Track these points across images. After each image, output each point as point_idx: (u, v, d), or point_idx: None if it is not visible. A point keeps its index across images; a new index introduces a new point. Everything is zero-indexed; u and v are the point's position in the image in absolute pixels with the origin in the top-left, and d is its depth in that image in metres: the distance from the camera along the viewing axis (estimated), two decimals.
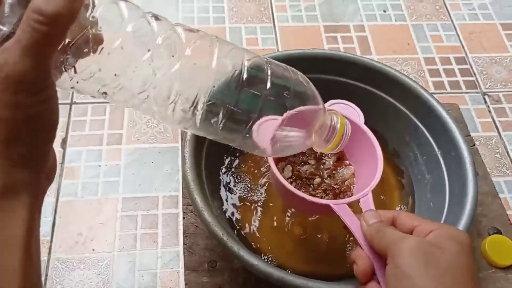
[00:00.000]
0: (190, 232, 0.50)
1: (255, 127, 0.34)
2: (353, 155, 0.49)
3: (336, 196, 0.46)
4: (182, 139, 0.48)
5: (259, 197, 0.54)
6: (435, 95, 0.54)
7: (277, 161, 0.46)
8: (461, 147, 0.50)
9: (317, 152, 0.48)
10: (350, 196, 0.46)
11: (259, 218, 0.52)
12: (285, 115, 0.35)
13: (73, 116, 0.68)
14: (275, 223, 0.52)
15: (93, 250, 0.57)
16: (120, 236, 0.58)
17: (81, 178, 0.62)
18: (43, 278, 0.54)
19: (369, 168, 0.45)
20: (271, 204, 0.53)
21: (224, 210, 0.51)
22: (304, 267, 0.49)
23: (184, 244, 0.49)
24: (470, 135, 0.65)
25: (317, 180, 0.47)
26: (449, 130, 0.51)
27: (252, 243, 0.50)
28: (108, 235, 0.58)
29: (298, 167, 0.48)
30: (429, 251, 0.32)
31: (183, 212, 0.52)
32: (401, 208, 0.55)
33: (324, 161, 0.49)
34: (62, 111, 0.68)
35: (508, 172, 0.66)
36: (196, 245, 0.49)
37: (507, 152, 0.68)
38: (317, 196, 0.46)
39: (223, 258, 0.49)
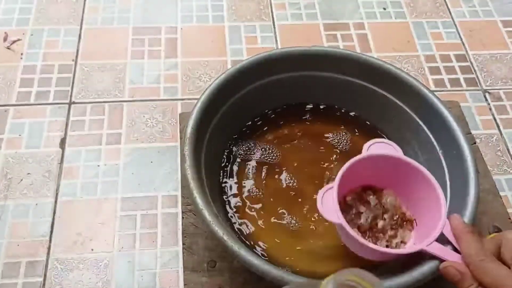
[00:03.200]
0: (189, 232, 0.50)
1: None
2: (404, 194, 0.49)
3: (402, 226, 0.47)
4: (181, 138, 0.48)
5: (259, 196, 0.53)
6: (435, 93, 0.54)
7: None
8: (462, 146, 0.49)
9: (356, 197, 0.49)
10: (409, 221, 0.47)
11: (259, 217, 0.52)
12: None
13: (72, 116, 0.68)
14: (275, 222, 0.52)
15: (92, 250, 0.57)
16: (119, 236, 0.58)
17: (80, 178, 0.62)
18: (41, 279, 0.54)
19: (421, 198, 0.46)
20: (271, 202, 0.53)
21: (224, 209, 0.51)
22: (305, 266, 0.48)
23: (183, 244, 0.49)
24: (470, 133, 0.64)
25: (381, 223, 0.47)
26: (450, 129, 0.51)
27: (253, 242, 0.50)
28: (107, 235, 0.58)
29: (360, 222, 0.47)
30: None
31: (182, 212, 0.52)
32: None
33: (368, 201, 0.49)
34: (61, 111, 0.68)
35: (509, 170, 0.66)
36: (196, 245, 0.49)
37: (508, 150, 0.68)
38: (392, 236, 0.47)
39: (223, 258, 0.48)
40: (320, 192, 0.44)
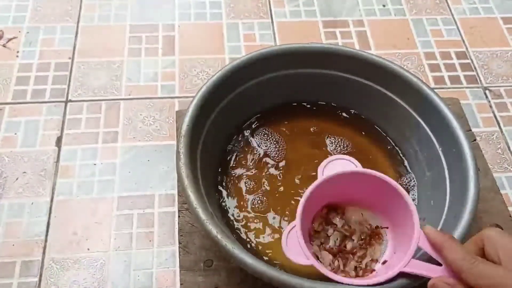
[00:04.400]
0: (186, 231, 0.49)
1: None
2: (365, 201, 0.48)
3: (370, 244, 0.46)
4: (177, 136, 0.47)
5: (257, 194, 0.53)
6: (435, 90, 0.53)
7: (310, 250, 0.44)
8: (462, 144, 0.49)
9: (323, 221, 0.47)
10: (377, 234, 0.46)
11: (256, 216, 0.51)
12: None
13: (68, 114, 0.67)
14: (273, 221, 0.51)
15: (88, 249, 0.56)
16: (116, 236, 0.57)
17: (76, 177, 0.61)
18: (37, 279, 0.54)
19: (393, 204, 0.44)
20: (269, 201, 0.52)
21: (220, 208, 0.50)
22: (302, 266, 0.48)
23: (179, 243, 0.48)
24: (471, 130, 0.64)
25: (349, 245, 0.46)
26: (450, 127, 0.50)
27: (249, 242, 0.49)
28: (103, 234, 0.57)
29: (328, 246, 0.46)
30: None
31: (179, 211, 0.51)
32: None
33: (334, 223, 0.47)
34: (57, 109, 0.67)
35: (509, 168, 0.65)
36: (192, 244, 0.48)
37: (509, 148, 0.67)
38: (361, 256, 0.45)
39: (220, 257, 0.48)
40: (284, 232, 0.41)
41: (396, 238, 0.46)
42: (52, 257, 0.55)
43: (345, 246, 0.46)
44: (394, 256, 0.44)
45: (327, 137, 0.58)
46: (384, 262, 0.45)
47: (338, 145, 0.57)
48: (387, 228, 0.47)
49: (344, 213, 0.48)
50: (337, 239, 0.46)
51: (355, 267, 0.45)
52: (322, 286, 0.38)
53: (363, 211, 0.48)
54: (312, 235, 0.46)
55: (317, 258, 0.45)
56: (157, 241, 0.57)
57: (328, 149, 0.57)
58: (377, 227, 0.47)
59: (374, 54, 0.55)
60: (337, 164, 0.45)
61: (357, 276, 0.44)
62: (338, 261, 0.45)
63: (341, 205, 0.48)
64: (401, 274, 0.40)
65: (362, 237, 0.46)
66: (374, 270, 0.44)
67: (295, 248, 0.40)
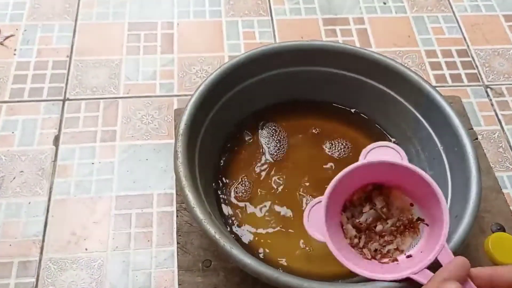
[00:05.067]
0: (184, 231, 0.49)
1: None
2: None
3: (402, 233, 0.45)
4: (175, 135, 0.46)
5: (256, 194, 0.52)
6: (436, 88, 0.53)
7: (336, 221, 0.44)
8: (464, 142, 0.48)
9: (364, 196, 0.47)
10: (414, 227, 0.45)
11: (255, 216, 0.50)
12: None
13: (66, 113, 0.66)
14: (272, 221, 0.51)
15: (86, 249, 0.56)
16: (114, 235, 0.57)
17: (74, 176, 0.61)
18: (34, 279, 0.53)
19: (433, 208, 0.43)
20: (268, 200, 0.52)
21: (219, 207, 0.50)
22: (301, 266, 0.47)
23: (177, 243, 0.48)
24: (472, 129, 0.63)
25: (379, 227, 0.45)
26: (452, 125, 0.49)
27: (248, 241, 0.49)
28: (101, 234, 0.57)
29: (358, 221, 0.45)
30: None
31: (177, 210, 0.51)
32: None
33: (374, 202, 0.46)
34: (55, 108, 0.67)
35: (511, 166, 0.65)
36: (190, 244, 0.48)
37: (510, 147, 0.67)
38: (387, 241, 0.45)
39: (218, 257, 0.47)
40: (309, 205, 0.42)
41: (430, 239, 0.45)
42: (50, 257, 0.55)
43: (375, 227, 0.45)
44: (420, 255, 0.44)
45: (327, 136, 0.57)
46: (409, 256, 0.44)
47: (338, 144, 0.57)
48: (427, 225, 0.45)
49: (389, 196, 0.47)
50: (369, 218, 0.45)
51: (376, 250, 0.44)
52: (320, 287, 0.38)
53: (412, 201, 0.46)
54: (347, 207, 0.45)
55: (342, 227, 0.44)
56: (155, 241, 0.56)
57: (328, 147, 0.56)
58: (418, 219, 0.46)
59: (375, 52, 0.54)
60: (382, 152, 0.44)
61: (373, 258, 0.44)
62: (360, 238, 0.44)
63: (390, 187, 0.47)
64: (408, 279, 0.39)
65: (397, 225, 0.45)
66: (396, 259, 0.44)
67: (316, 222, 0.41)
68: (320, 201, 0.42)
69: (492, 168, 0.60)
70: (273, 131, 0.57)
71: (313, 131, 0.57)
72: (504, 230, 0.54)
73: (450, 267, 0.36)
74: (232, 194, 0.51)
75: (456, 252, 0.42)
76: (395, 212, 0.46)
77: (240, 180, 0.53)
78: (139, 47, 0.74)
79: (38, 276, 0.53)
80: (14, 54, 0.72)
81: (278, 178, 0.54)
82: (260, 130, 0.57)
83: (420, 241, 0.45)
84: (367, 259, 0.42)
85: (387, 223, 0.45)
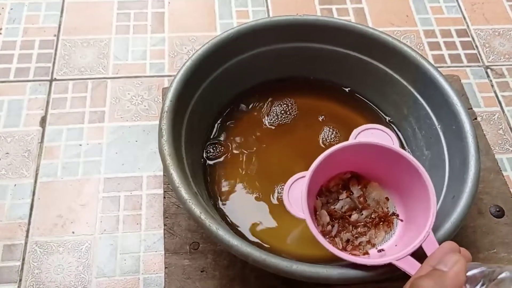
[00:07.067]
0: (171, 212, 0.47)
1: None
2: (391, 181, 0.45)
3: (377, 226, 0.43)
4: (161, 112, 0.44)
5: (245, 174, 0.50)
6: None
7: (310, 205, 0.42)
8: (463, 120, 0.46)
9: (341, 183, 0.45)
10: (388, 221, 0.43)
11: (244, 196, 0.49)
12: None
13: (53, 93, 0.64)
14: (262, 202, 0.49)
15: (73, 233, 0.54)
16: (102, 218, 0.55)
17: (61, 158, 0.59)
18: (19, 263, 0.52)
19: (415, 197, 0.41)
20: (258, 181, 0.50)
21: (206, 187, 0.48)
22: (292, 248, 0.46)
23: (164, 225, 0.46)
24: (471, 108, 0.61)
25: (354, 216, 0.44)
26: (450, 103, 0.47)
27: (237, 223, 0.47)
28: (89, 217, 0.55)
29: (333, 207, 0.44)
30: None
31: (164, 191, 0.49)
32: None
33: (351, 190, 0.45)
34: (42, 88, 0.65)
35: (511, 148, 0.63)
36: (178, 226, 0.46)
37: (510, 128, 0.65)
38: (361, 233, 0.43)
39: (206, 240, 0.46)
40: (290, 180, 0.40)
41: (404, 235, 0.43)
42: (36, 240, 0.53)
43: (349, 216, 0.44)
44: (394, 248, 0.42)
45: (321, 115, 0.55)
46: (380, 251, 0.42)
47: (332, 124, 0.55)
48: (401, 220, 0.44)
49: (367, 187, 0.45)
50: (344, 206, 0.44)
51: (348, 240, 0.43)
52: (310, 269, 0.36)
53: (389, 194, 0.45)
54: (322, 192, 0.44)
55: (315, 213, 0.43)
56: (144, 224, 0.55)
57: (321, 128, 0.54)
58: (393, 214, 0.44)
59: (371, 27, 0.52)
60: (373, 134, 0.43)
61: (343, 249, 0.42)
62: (333, 226, 0.43)
63: (368, 178, 0.46)
64: (390, 266, 0.37)
65: (372, 216, 0.44)
66: (367, 253, 0.42)
67: (295, 199, 0.39)
68: (301, 177, 0.40)
69: (491, 149, 0.58)
70: (264, 109, 0.55)
71: (306, 109, 0.56)
72: (503, 213, 0.52)
73: (438, 254, 0.34)
74: (222, 173, 0.50)
75: (452, 235, 0.40)
76: (371, 203, 0.45)
77: (230, 159, 0.51)
78: (128, 26, 0.72)
79: (23, 259, 0.52)
80: (0, 33, 0.70)
81: (271, 158, 0.52)
82: (250, 109, 0.55)
83: (393, 237, 0.43)
84: (338, 249, 0.40)
85: (362, 214, 0.44)
